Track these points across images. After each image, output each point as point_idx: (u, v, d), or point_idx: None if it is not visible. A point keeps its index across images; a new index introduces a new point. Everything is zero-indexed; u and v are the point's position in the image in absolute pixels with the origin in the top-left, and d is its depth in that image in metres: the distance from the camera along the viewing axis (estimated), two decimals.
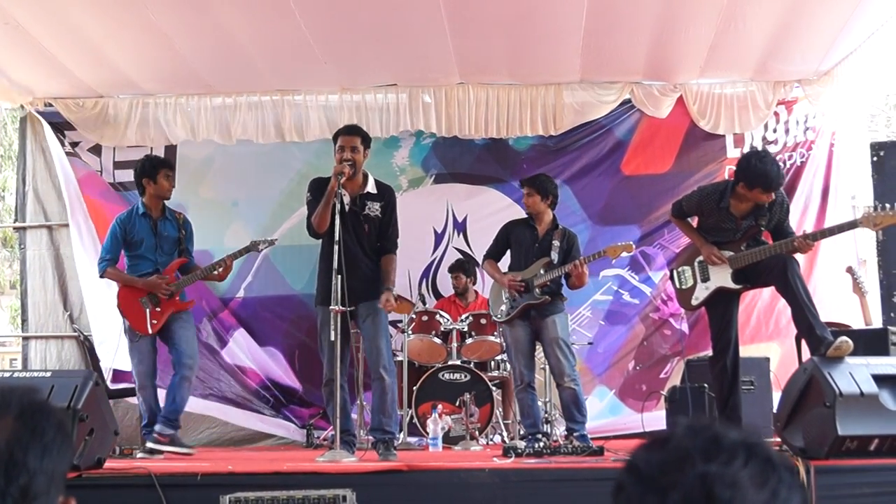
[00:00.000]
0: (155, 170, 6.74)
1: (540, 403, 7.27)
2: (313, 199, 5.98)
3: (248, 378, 8.74)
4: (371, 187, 6.06)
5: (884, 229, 6.42)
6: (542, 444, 6.18)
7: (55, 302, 8.87)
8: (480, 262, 7.02)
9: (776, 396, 6.12)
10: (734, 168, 5.97)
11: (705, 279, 5.96)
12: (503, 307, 6.76)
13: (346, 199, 5.89)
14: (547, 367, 7.19)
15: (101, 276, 6.78)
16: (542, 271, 6.64)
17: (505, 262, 6.98)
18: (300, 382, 8.66)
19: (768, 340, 8.31)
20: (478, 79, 8.49)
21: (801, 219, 8.26)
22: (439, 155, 9.01)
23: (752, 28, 7.37)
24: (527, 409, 6.67)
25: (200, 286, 8.74)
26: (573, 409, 6.51)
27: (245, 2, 7.02)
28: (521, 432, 7.18)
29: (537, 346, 6.83)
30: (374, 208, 6.01)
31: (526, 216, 6.93)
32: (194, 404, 8.32)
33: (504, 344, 7.05)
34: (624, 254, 6.80)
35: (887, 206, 5.50)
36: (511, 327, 6.72)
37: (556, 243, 6.71)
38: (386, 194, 6.12)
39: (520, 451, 5.58)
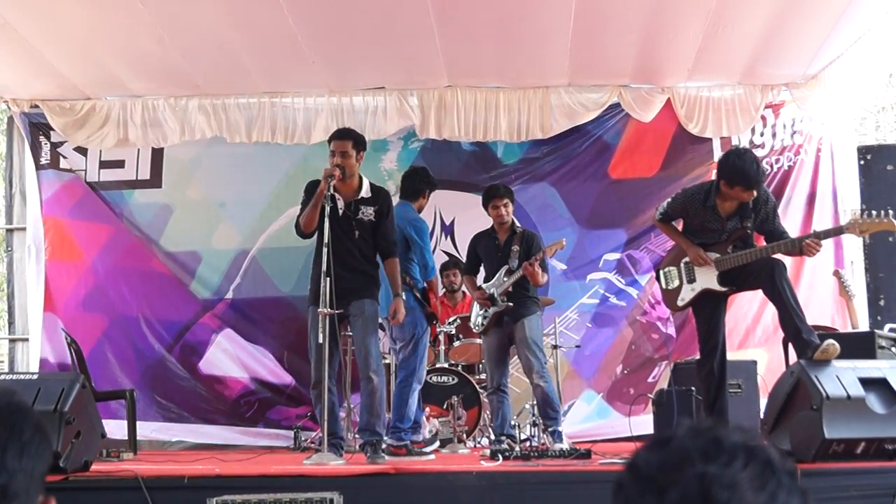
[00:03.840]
0: (431, 188, 7.21)
1: (527, 406, 7.31)
2: (307, 199, 5.99)
3: (226, 388, 8.65)
4: (366, 191, 6.05)
5: (869, 236, 6.46)
6: (504, 445, 6.36)
7: (42, 304, 8.80)
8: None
9: (763, 401, 6.14)
10: None
11: (691, 280, 5.95)
12: (479, 320, 6.98)
13: (341, 204, 5.93)
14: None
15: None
16: (505, 279, 6.83)
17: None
18: (291, 376, 8.60)
19: (756, 347, 8.30)
20: (466, 82, 8.47)
21: (786, 223, 8.26)
22: (427, 160, 8.93)
23: (740, 31, 7.38)
24: (495, 410, 6.98)
25: (181, 289, 8.75)
26: (545, 406, 6.73)
27: (235, 3, 7.01)
28: (490, 436, 7.25)
29: (512, 351, 7.03)
30: (367, 213, 6.00)
31: (489, 227, 7.06)
32: (163, 431, 8.41)
33: None
34: (558, 250, 7.00)
35: (873, 213, 5.53)
36: (486, 336, 7.00)
37: (515, 248, 6.88)
38: (380, 198, 6.10)
39: (507, 454, 5.60)
